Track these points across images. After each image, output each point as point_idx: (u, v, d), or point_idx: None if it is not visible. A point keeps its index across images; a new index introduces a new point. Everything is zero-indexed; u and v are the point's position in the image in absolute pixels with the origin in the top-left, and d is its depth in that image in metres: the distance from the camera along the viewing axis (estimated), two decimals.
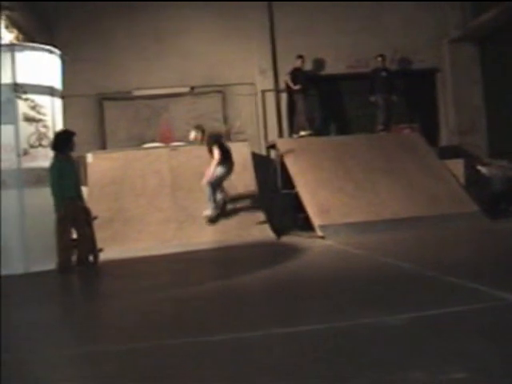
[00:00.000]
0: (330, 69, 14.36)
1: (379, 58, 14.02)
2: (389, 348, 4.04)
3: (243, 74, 14.31)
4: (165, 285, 7.58)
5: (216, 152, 11.31)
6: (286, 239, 11.47)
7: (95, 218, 9.83)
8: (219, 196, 11.67)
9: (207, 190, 11.51)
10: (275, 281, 7.31)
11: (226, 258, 9.96)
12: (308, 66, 14.18)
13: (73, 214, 9.01)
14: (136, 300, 6.52)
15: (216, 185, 11.54)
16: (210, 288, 7.09)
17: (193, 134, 11.65)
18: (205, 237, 11.41)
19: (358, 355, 3.91)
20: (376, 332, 4.45)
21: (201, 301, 6.24)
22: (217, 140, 11.53)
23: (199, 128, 11.71)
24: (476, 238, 9.97)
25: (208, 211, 11.61)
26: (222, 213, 11.76)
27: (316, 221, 11.38)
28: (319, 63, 14.36)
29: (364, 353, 3.97)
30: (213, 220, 11.64)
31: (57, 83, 9.83)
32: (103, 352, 4.45)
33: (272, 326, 4.93)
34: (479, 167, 13.14)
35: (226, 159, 11.50)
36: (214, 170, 11.33)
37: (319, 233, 11.08)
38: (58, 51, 9.73)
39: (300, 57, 13.85)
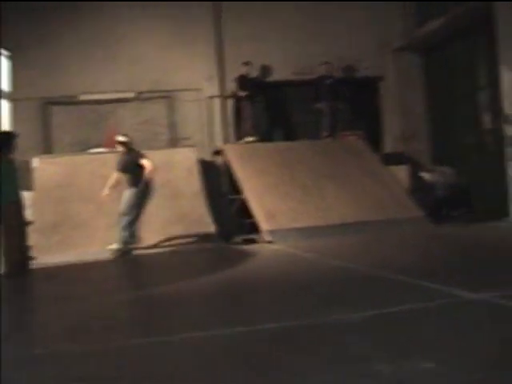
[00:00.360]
0: (277, 75, 14.48)
1: (324, 66, 14.21)
2: (356, 343, 4.15)
3: (190, 80, 14.33)
4: (106, 290, 7.56)
5: (149, 163, 10.71)
6: (234, 244, 11.54)
7: (29, 223, 9.78)
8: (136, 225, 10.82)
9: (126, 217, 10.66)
10: (227, 283, 7.36)
11: (173, 263, 9.97)
12: (255, 73, 14.28)
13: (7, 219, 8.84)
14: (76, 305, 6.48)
15: (139, 208, 10.80)
16: (153, 292, 7.08)
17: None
18: (153, 241, 11.41)
19: (324, 350, 4.01)
20: (342, 328, 4.56)
21: (140, 305, 6.30)
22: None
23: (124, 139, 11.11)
24: (421, 242, 10.20)
25: (117, 244, 10.68)
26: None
27: (263, 226, 11.47)
28: (266, 70, 14.47)
29: (332, 347, 4.07)
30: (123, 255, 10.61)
31: (2, 84, 9.72)
32: None
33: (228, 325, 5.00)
34: (422, 173, 13.41)
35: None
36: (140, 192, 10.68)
37: (267, 238, 11.17)
38: (4, 52, 9.62)
39: (247, 63, 13.95)
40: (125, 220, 10.62)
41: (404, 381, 3.28)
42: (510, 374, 3.25)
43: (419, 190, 13.04)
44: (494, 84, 11.49)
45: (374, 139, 14.52)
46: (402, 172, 13.37)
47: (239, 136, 14.31)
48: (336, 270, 7.51)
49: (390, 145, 15.05)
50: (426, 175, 13.38)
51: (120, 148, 11.20)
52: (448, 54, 13.52)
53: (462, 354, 3.69)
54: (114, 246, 10.58)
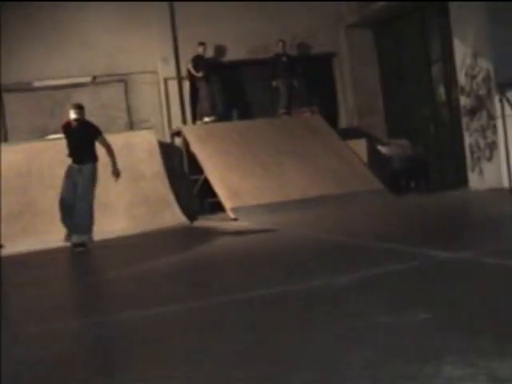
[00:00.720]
0: (232, 55, 14.56)
1: (279, 44, 14.34)
2: (351, 302, 4.34)
3: (145, 63, 14.31)
4: (70, 273, 7.64)
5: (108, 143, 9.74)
6: (199, 223, 11.64)
7: None
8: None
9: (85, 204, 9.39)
10: (206, 259, 7.51)
11: (142, 244, 10.03)
12: (210, 53, 14.32)
13: None
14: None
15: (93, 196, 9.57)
16: (123, 272, 7.17)
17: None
18: (117, 225, 11.44)
19: (325, 309, 4.19)
20: (333, 290, 4.74)
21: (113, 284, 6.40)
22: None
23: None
24: (385, 211, 10.48)
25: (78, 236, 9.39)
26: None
27: (228, 204, 11.61)
28: (221, 50, 14.54)
29: (331, 307, 4.25)
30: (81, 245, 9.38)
31: None
32: None
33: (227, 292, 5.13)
34: (379, 147, 13.67)
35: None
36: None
37: (232, 215, 11.31)
38: None
39: (201, 44, 13.98)
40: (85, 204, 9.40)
41: (408, 329, 3.47)
42: (494, 319, 3.46)
43: (377, 163, 13.29)
44: (448, 57, 11.74)
45: (330, 115, 14.74)
46: (359, 146, 13.58)
47: (197, 117, 14.36)
48: (311, 241, 7.70)
49: (345, 120, 15.28)
50: (382, 148, 13.64)
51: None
52: (401, 29, 13.76)
53: (453, 305, 3.90)
54: (75, 239, 9.37)
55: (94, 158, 9.52)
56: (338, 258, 6.25)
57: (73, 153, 9.58)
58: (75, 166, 9.46)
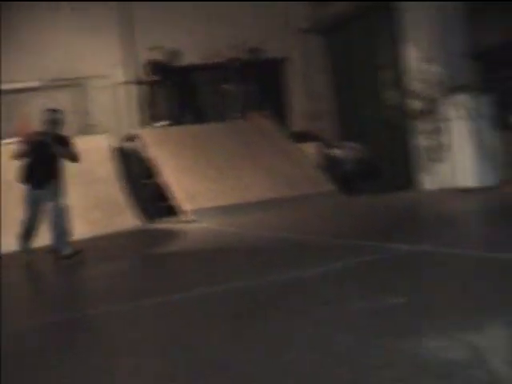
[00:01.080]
0: (186, 59, 14.64)
1: (231, 49, 14.51)
2: (325, 291, 4.55)
3: (99, 66, 14.33)
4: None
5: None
6: (156, 226, 11.73)
7: None
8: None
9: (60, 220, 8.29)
10: (173, 256, 7.65)
11: (100, 247, 10.07)
12: (164, 58, 14.41)
13: None
14: None
15: None
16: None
17: None
18: (73, 229, 11.44)
19: (302, 298, 4.40)
20: (305, 282, 4.94)
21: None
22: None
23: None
24: (340, 211, 10.72)
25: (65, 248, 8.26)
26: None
27: (184, 206, 11.73)
28: (175, 54, 14.60)
29: (307, 296, 4.45)
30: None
31: None
32: None
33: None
34: (331, 150, 13.95)
35: None
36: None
37: (189, 217, 11.43)
38: None
39: (156, 48, 14.07)
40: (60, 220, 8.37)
41: (384, 311, 3.70)
42: (458, 299, 3.70)
43: (328, 165, 13.57)
44: (397, 62, 12.07)
45: (282, 119, 14.96)
46: (311, 149, 13.85)
47: (151, 121, 14.44)
48: (272, 240, 7.88)
49: (297, 123, 15.50)
50: (334, 151, 13.93)
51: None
52: (352, 34, 14.03)
53: (421, 290, 4.16)
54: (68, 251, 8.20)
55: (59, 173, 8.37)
56: (302, 254, 6.46)
57: (33, 176, 8.19)
58: (36, 192, 8.14)
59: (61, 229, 8.22)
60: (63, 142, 8.52)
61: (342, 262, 5.47)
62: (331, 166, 13.55)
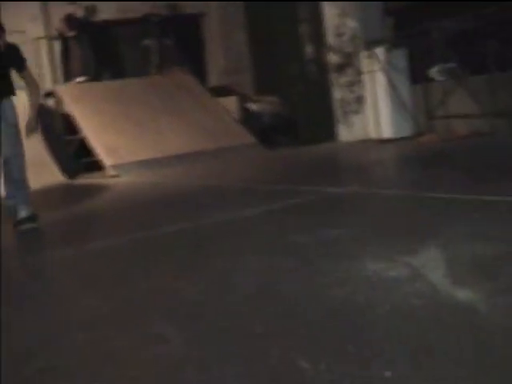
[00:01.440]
0: (103, 14, 14.56)
1: (150, 3, 14.51)
2: (266, 227, 4.85)
3: (13, 22, 14.05)
4: None
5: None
6: (80, 181, 11.80)
7: None
8: None
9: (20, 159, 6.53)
10: (105, 204, 7.79)
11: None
12: (81, 12, 14.28)
13: None
14: None
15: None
16: None
17: None
18: None
19: (244, 235, 4.67)
20: (245, 220, 5.22)
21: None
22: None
23: None
24: (264, 162, 11.05)
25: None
26: None
27: (107, 161, 11.80)
28: (92, 9, 14.49)
29: (250, 233, 4.74)
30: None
31: None
32: None
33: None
34: (249, 104, 14.21)
35: None
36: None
37: (112, 172, 11.53)
38: None
39: (72, 2, 13.93)
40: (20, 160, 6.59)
41: (327, 242, 4.02)
42: (394, 230, 4.06)
43: (247, 119, 13.84)
44: (316, 17, 12.36)
45: (201, 74, 15.11)
46: (230, 103, 14.06)
47: (69, 77, 14.34)
48: (203, 187, 8.11)
49: (216, 78, 15.67)
50: (252, 105, 14.20)
51: None
52: None
53: (357, 224, 4.50)
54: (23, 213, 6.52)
55: (13, 94, 6.80)
56: (236, 198, 6.74)
57: None
58: None
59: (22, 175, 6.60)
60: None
61: (279, 204, 5.77)
62: (250, 120, 13.82)
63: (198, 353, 2.53)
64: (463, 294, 2.73)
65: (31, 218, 6.46)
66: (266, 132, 13.70)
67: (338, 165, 9.42)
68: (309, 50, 13.24)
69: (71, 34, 14.00)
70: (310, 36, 13.05)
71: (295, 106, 13.66)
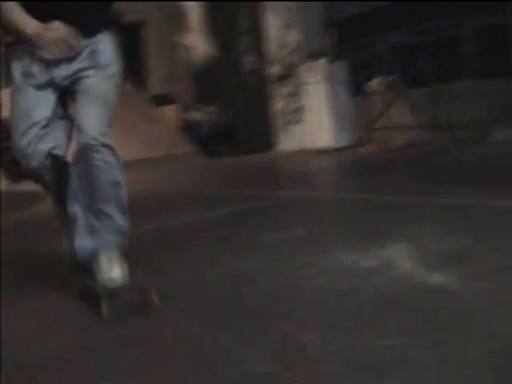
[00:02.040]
0: None
1: None
2: (227, 228, 5.05)
3: None
4: None
5: None
6: (22, 187, 11.70)
7: None
8: None
9: None
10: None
11: None
12: None
13: None
14: None
15: None
16: None
17: None
18: None
19: (208, 236, 4.85)
20: (205, 223, 5.39)
21: None
22: None
23: None
24: (206, 169, 11.23)
25: None
26: None
27: None
28: None
29: (212, 233, 4.92)
30: None
31: None
32: None
33: None
34: (189, 113, 14.35)
35: None
36: None
37: None
38: None
39: None
40: None
41: (294, 240, 4.23)
42: (350, 227, 4.31)
43: (188, 128, 13.96)
44: (257, 28, 12.61)
45: (140, 82, 15.19)
46: (169, 112, 14.21)
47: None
48: (150, 192, 8.22)
49: (156, 87, 15.78)
50: (192, 114, 14.33)
51: None
52: (213, 2, 14.32)
53: (318, 224, 4.73)
54: None
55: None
56: (189, 202, 6.89)
57: None
58: None
59: None
60: None
61: (233, 207, 5.95)
62: (190, 129, 13.95)
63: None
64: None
65: None
66: (206, 141, 13.85)
67: (281, 172, 9.69)
68: (249, 60, 13.47)
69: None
70: (251, 47, 13.28)
71: (235, 115, 13.85)
